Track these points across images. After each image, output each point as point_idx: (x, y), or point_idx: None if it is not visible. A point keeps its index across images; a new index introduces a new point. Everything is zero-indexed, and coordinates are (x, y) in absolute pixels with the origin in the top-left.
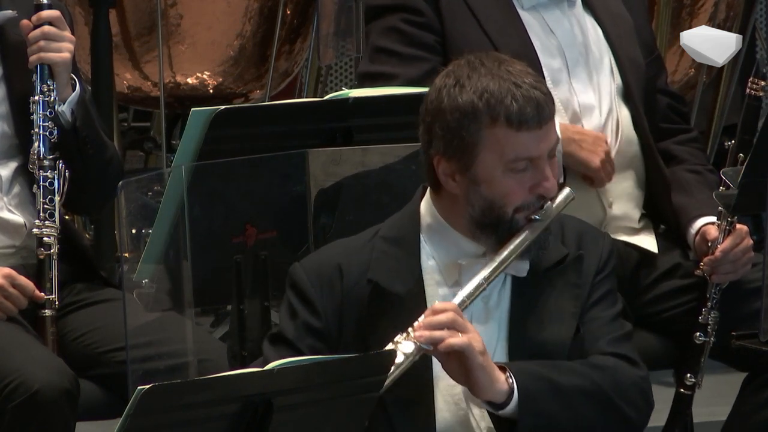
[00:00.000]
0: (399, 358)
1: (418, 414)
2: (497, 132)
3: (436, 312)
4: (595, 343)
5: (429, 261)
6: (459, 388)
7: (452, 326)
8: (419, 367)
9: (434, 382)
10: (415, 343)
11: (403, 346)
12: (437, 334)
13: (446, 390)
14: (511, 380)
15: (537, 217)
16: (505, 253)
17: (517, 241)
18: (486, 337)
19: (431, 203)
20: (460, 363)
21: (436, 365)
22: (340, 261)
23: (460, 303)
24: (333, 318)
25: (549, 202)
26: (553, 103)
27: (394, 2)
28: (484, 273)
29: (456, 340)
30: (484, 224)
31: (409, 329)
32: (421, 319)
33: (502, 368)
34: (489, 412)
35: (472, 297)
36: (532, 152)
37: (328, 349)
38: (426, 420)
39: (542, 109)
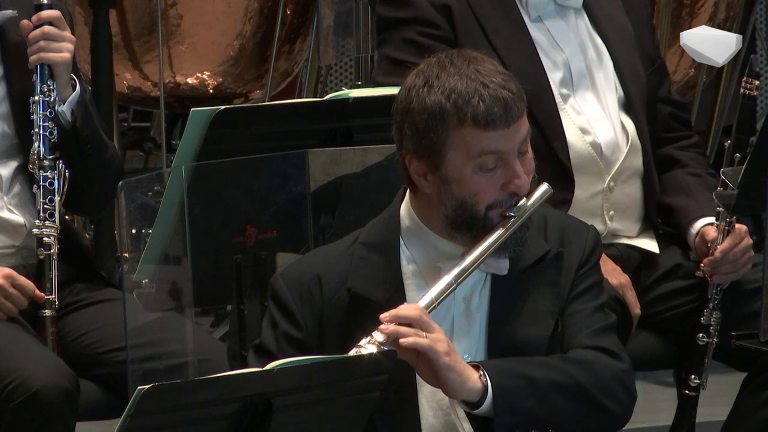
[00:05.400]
0: None
1: (403, 420)
2: (464, 132)
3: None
4: (575, 336)
5: (409, 265)
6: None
7: (416, 326)
8: (402, 373)
9: (419, 387)
10: (376, 345)
11: (366, 349)
12: (400, 333)
13: (431, 395)
14: (485, 378)
15: (512, 213)
16: (477, 251)
17: (490, 239)
18: (469, 338)
19: (410, 204)
20: (429, 365)
21: None
22: (320, 271)
23: (427, 304)
24: (314, 329)
25: (524, 199)
26: (523, 101)
27: (411, 15)
28: (455, 271)
29: (416, 340)
30: (458, 223)
31: (374, 332)
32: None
33: (476, 366)
34: (466, 412)
35: (441, 297)
36: (500, 147)
37: None
38: (411, 426)
39: (510, 108)
